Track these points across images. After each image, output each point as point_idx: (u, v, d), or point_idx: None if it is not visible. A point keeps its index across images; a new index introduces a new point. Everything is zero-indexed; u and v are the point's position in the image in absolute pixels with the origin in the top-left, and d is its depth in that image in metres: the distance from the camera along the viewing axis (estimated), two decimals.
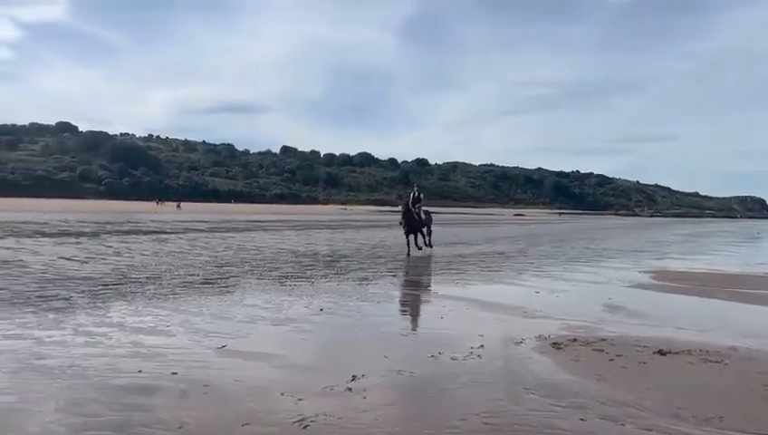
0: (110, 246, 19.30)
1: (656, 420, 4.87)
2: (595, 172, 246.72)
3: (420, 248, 20.02)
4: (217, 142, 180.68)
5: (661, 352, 6.96)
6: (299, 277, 13.16)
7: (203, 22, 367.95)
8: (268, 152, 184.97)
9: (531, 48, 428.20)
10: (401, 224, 19.88)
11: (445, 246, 24.06)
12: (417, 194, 20.95)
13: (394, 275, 14.19)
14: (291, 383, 5.59)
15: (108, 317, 8.32)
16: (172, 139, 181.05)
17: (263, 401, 5.12)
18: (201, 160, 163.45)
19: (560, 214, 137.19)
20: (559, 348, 7.18)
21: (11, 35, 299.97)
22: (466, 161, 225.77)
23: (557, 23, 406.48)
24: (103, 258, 15.67)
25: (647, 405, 5.19)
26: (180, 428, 4.48)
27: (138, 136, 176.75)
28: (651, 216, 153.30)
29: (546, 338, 7.70)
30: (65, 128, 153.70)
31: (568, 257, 20.90)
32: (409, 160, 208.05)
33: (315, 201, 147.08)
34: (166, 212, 63.43)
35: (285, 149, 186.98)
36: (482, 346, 7.13)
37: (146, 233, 27.55)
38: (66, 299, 9.58)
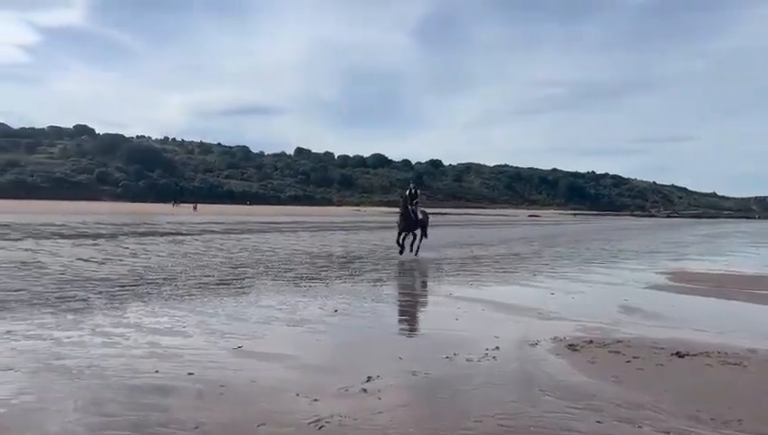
0: (127, 248, 19.48)
1: (674, 422, 4.82)
2: (610, 173, 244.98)
3: (410, 250, 18.77)
4: (232, 144, 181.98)
5: (679, 354, 6.89)
6: (313, 278, 13.20)
7: (218, 25, 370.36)
8: (282, 154, 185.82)
9: (545, 48, 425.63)
10: (398, 224, 19.02)
11: (459, 248, 24.00)
12: (413, 190, 19.44)
13: (409, 277, 14.18)
14: (306, 384, 5.61)
15: (125, 318, 8.40)
16: (188, 141, 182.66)
17: (278, 401, 5.14)
18: (216, 162, 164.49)
19: (575, 215, 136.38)
20: (575, 350, 7.14)
21: (29, 40, 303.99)
22: (480, 162, 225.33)
23: (571, 22, 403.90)
24: (120, 260, 15.82)
25: (664, 407, 5.14)
26: (197, 428, 4.51)
27: (154, 138, 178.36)
28: (668, 216, 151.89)
29: (562, 340, 7.65)
30: (83, 131, 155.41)
31: (583, 259, 20.77)
32: (423, 161, 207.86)
33: (329, 202, 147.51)
34: (182, 214, 63.93)
35: (299, 150, 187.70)
36: (497, 348, 7.10)
37: (162, 234, 27.78)
38: (84, 300, 9.68)
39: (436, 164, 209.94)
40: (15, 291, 10.29)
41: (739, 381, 6.01)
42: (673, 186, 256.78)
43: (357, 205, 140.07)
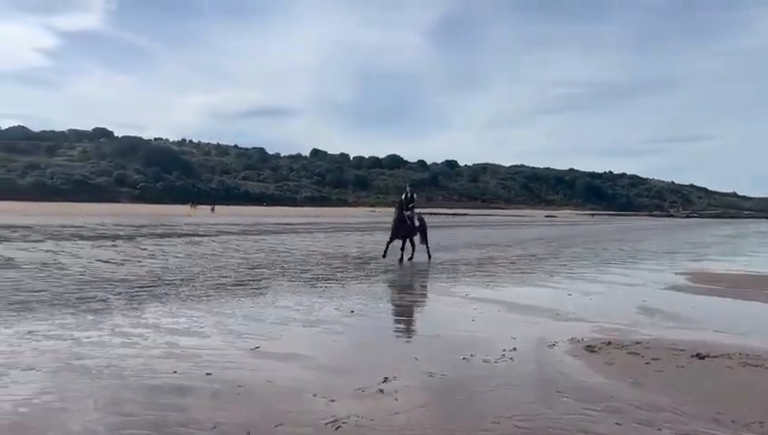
0: (145, 249, 19.67)
1: (694, 424, 4.76)
2: (628, 173, 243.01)
3: (401, 260, 17.40)
4: (249, 146, 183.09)
5: (699, 356, 6.81)
6: (329, 279, 13.23)
7: (234, 27, 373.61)
8: (298, 155, 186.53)
9: (561, 48, 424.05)
10: (393, 230, 17.82)
11: (475, 248, 23.93)
12: (409, 194, 18.54)
13: (424, 278, 14.16)
14: (323, 384, 5.62)
15: (143, 318, 8.48)
16: (205, 143, 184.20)
17: (295, 401, 5.16)
18: (233, 164, 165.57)
19: (592, 215, 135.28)
20: (593, 351, 7.08)
21: (49, 44, 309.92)
22: (496, 162, 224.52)
23: (588, 22, 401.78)
24: (139, 261, 15.98)
25: (684, 410, 5.08)
26: (214, 428, 4.54)
27: (171, 140, 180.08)
28: (687, 216, 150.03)
29: (579, 341, 7.60)
30: (102, 133, 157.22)
31: (601, 259, 20.59)
32: (439, 162, 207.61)
33: (345, 203, 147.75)
34: (198, 215, 64.43)
35: (315, 152, 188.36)
36: (514, 349, 7.07)
37: (179, 236, 28.01)
38: (103, 301, 9.79)
39: (451, 164, 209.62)
40: (37, 292, 10.44)
41: (760, 383, 5.93)
42: (692, 186, 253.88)
43: (372, 206, 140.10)
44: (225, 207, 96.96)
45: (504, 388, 5.64)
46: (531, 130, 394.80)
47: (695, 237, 41.15)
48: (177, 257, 17.16)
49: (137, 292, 10.80)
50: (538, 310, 9.88)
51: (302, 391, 5.44)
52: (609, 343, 7.49)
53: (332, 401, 5.16)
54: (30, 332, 7.43)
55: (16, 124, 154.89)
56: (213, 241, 24.73)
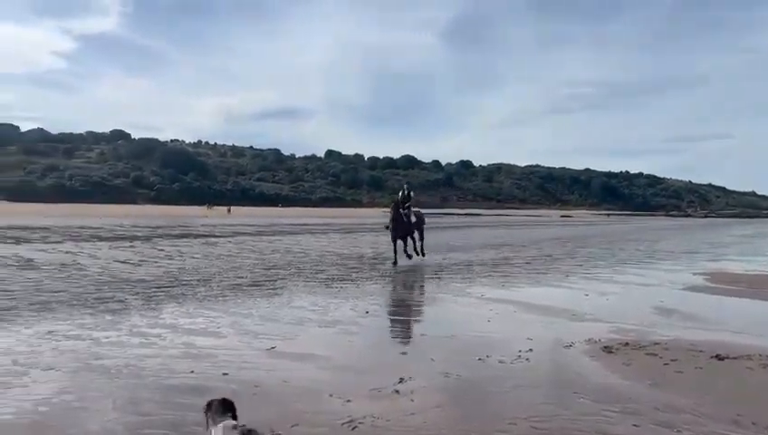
0: (162, 250, 19.84)
1: (713, 426, 4.71)
2: (645, 172, 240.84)
3: (410, 257, 17.54)
4: (264, 147, 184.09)
5: (718, 357, 6.73)
6: (344, 280, 13.25)
7: (249, 29, 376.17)
8: (313, 156, 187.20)
9: (577, 47, 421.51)
10: (388, 228, 17.50)
11: (490, 249, 23.85)
12: (406, 192, 18.32)
13: (439, 278, 14.13)
14: (338, 385, 5.63)
15: (161, 319, 8.55)
16: (220, 144, 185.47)
17: (311, 401, 5.17)
18: (248, 165, 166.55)
19: (608, 215, 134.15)
20: (610, 352, 7.02)
21: (66, 47, 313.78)
22: (511, 162, 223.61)
23: (603, 21, 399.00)
24: (156, 262, 16.12)
25: (704, 411, 5.02)
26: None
27: (187, 142, 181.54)
28: (705, 216, 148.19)
29: (596, 342, 7.54)
30: (119, 135, 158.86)
31: (617, 259, 20.42)
32: (453, 162, 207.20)
33: (359, 204, 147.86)
34: (214, 216, 64.85)
35: (330, 152, 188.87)
36: (530, 350, 7.03)
37: (196, 237, 28.22)
38: (121, 301, 9.89)
39: (466, 165, 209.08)
40: (56, 292, 10.57)
41: None
42: (710, 185, 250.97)
43: (387, 206, 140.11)
44: (240, 207, 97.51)
45: (520, 389, 5.61)
46: (546, 130, 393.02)
47: (713, 237, 40.66)
48: (193, 258, 17.29)
49: (154, 292, 10.89)
50: (554, 310, 9.82)
51: (318, 391, 5.45)
52: (627, 343, 7.43)
53: (348, 401, 5.17)
54: (50, 332, 7.53)
55: (35, 127, 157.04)
56: (229, 242, 24.89)
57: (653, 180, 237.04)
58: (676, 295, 12.00)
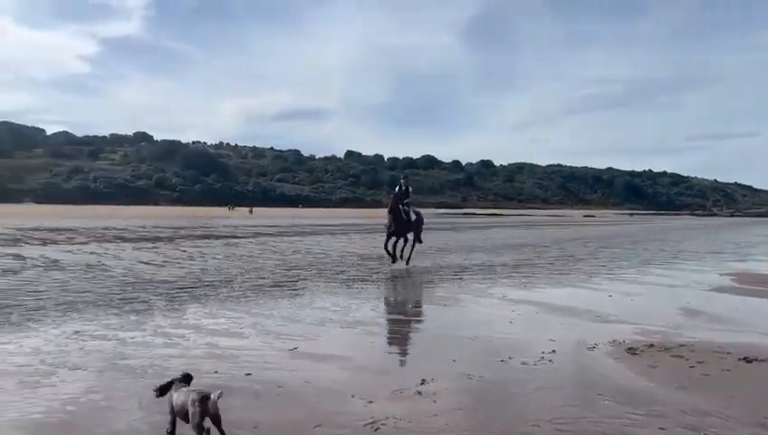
0: (185, 251, 20.06)
1: (741, 430, 4.63)
2: (669, 171, 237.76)
3: (394, 259, 16.10)
4: (284, 149, 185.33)
5: (746, 360, 6.61)
6: (365, 280, 13.27)
7: (270, 31, 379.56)
8: (333, 157, 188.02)
9: (598, 45, 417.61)
10: (387, 226, 16.35)
11: (511, 249, 23.70)
12: (403, 187, 16.75)
13: (461, 279, 14.07)
14: (360, 386, 5.64)
15: (184, 319, 8.64)
16: (241, 146, 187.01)
17: (334, 402, 5.19)
18: (269, 166, 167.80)
19: (631, 214, 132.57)
20: (635, 354, 6.94)
21: (90, 51, 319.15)
22: (533, 162, 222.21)
23: (625, 19, 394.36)
24: (178, 262, 16.30)
25: (731, 414, 4.94)
26: (256, 428, 4.60)
27: (209, 144, 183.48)
28: (731, 215, 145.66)
29: (621, 343, 7.45)
30: (142, 137, 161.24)
31: (641, 260, 20.16)
32: (474, 162, 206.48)
33: (379, 205, 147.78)
34: (236, 217, 65.35)
35: (350, 153, 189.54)
36: (553, 351, 6.97)
37: (217, 237, 28.47)
38: (146, 302, 10.01)
39: (487, 164, 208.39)
40: (82, 293, 10.74)
41: None
42: (736, 184, 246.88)
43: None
44: (262, 208, 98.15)
45: (543, 390, 5.57)
46: (568, 129, 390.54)
47: (739, 237, 39.94)
48: (215, 259, 17.44)
49: (177, 293, 11.01)
50: (577, 311, 9.73)
51: (340, 392, 5.46)
52: (652, 345, 7.33)
53: (370, 402, 5.17)
54: (77, 332, 7.65)
55: (61, 130, 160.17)
56: (250, 243, 25.07)
57: (677, 179, 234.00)
58: (702, 296, 11.81)
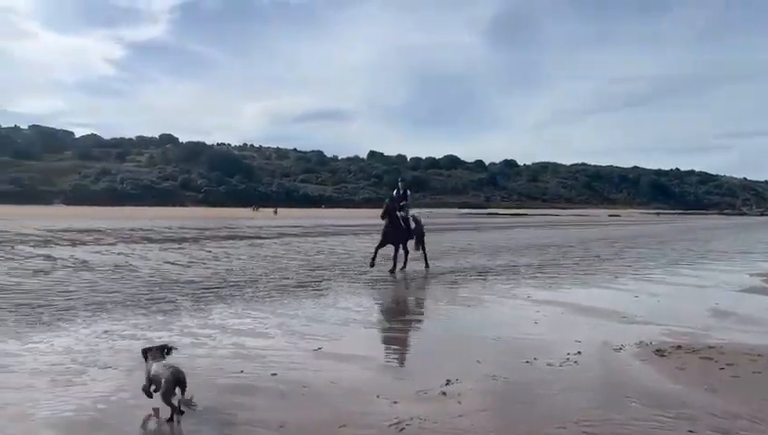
0: (210, 251, 20.27)
1: None
2: (696, 170, 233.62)
3: (402, 268, 15.15)
4: (307, 149, 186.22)
5: None
6: (388, 281, 13.27)
7: (293, 34, 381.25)
8: (356, 158, 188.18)
9: (622, 43, 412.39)
10: (383, 233, 15.06)
11: (536, 249, 23.52)
12: (401, 191, 15.60)
13: (484, 279, 14.02)
14: (385, 386, 5.66)
15: (210, 319, 8.75)
16: (265, 147, 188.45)
17: (358, 402, 5.21)
18: (292, 167, 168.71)
19: (658, 214, 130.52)
20: (662, 355, 6.85)
21: (118, 55, 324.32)
22: (557, 161, 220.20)
23: (651, 16, 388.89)
24: (204, 263, 16.49)
25: (762, 417, 4.85)
26: (282, 427, 4.64)
27: (233, 145, 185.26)
28: (761, 214, 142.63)
29: (648, 345, 7.36)
30: (167, 139, 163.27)
31: (669, 260, 19.85)
32: (497, 162, 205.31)
33: None
34: (260, 217, 65.87)
35: (372, 153, 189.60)
36: (579, 352, 6.91)
37: (242, 238, 28.72)
38: (172, 302, 10.15)
39: (510, 164, 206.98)
40: (111, 293, 10.93)
41: None
42: (766, 182, 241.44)
43: (429, 208, 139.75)
44: (286, 209, 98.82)
45: (569, 392, 5.53)
46: (592, 128, 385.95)
47: None
48: (240, 259, 17.61)
49: (203, 293, 11.15)
50: (603, 312, 9.63)
51: (364, 392, 5.49)
52: (680, 347, 7.23)
53: (395, 402, 5.19)
54: (106, 331, 7.80)
55: (89, 133, 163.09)
56: (274, 243, 25.25)
57: (705, 178, 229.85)
58: (732, 297, 11.60)
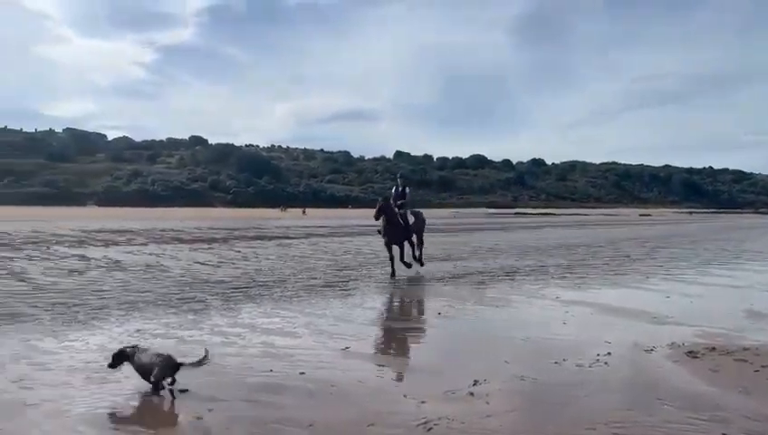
0: (239, 251, 20.50)
1: None
2: (730, 168, 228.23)
3: (409, 265, 14.66)
4: (334, 150, 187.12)
5: None
6: (415, 281, 13.27)
7: (320, 34, 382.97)
8: (382, 158, 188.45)
9: (653, 39, 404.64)
10: (380, 233, 14.58)
11: (565, 249, 23.27)
12: (400, 188, 15.23)
13: (512, 280, 13.92)
14: (412, 386, 5.67)
15: (240, 319, 8.86)
16: (293, 148, 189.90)
17: (386, 402, 5.23)
18: (320, 168, 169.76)
19: (690, 213, 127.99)
20: (695, 357, 6.73)
21: (148, 58, 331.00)
22: (586, 160, 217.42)
23: (681, 13, 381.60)
24: (233, 263, 16.68)
25: None
26: (311, 426, 4.68)
27: (261, 146, 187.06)
28: None
29: (680, 346, 7.23)
30: (197, 141, 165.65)
31: (701, 260, 19.46)
32: (525, 161, 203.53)
33: (428, 204, 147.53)
34: (288, 218, 66.37)
35: (399, 153, 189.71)
36: (609, 353, 6.83)
37: (270, 238, 28.98)
38: (203, 301, 10.30)
39: (538, 163, 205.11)
40: (143, 292, 11.13)
41: None
42: None
43: (456, 207, 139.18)
44: (312, 209, 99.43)
45: (598, 393, 5.47)
46: (621, 127, 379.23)
47: None
48: (268, 259, 17.77)
49: (233, 293, 11.29)
50: (634, 313, 9.49)
51: (392, 391, 5.51)
52: (714, 348, 7.09)
53: (423, 402, 5.19)
54: (138, 330, 7.96)
55: (121, 135, 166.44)
56: (302, 243, 25.42)
57: (740, 176, 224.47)
58: (767, 298, 11.33)
